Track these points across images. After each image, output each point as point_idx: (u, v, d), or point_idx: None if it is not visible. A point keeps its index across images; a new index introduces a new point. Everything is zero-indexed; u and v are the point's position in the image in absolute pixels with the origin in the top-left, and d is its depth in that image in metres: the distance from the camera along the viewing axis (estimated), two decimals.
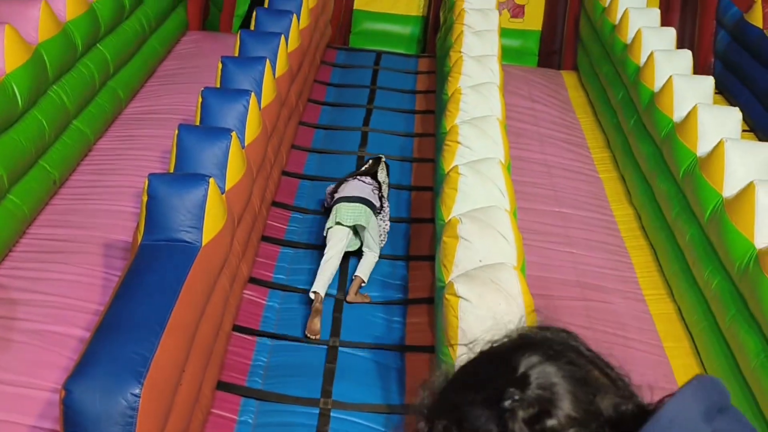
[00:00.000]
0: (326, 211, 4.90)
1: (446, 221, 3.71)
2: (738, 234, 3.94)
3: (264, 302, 4.39)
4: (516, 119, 6.67)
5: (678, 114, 5.06)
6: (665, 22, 9.11)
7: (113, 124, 5.84)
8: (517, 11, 9.34)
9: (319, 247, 4.90)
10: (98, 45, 5.66)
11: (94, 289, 4.13)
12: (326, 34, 7.70)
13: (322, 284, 4.27)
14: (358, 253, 4.67)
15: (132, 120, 5.96)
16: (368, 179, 4.84)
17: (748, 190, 3.94)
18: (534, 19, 9.30)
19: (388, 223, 4.87)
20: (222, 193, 3.70)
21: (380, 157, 5.17)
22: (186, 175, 3.48)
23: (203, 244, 3.36)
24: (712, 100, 5.21)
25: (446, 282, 3.28)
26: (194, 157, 3.71)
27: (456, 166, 3.96)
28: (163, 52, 6.88)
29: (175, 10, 7.36)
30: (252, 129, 4.28)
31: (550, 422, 0.79)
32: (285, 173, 5.60)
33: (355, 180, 4.79)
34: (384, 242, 4.81)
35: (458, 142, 4.26)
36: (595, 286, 4.80)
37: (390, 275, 4.74)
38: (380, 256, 4.79)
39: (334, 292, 4.53)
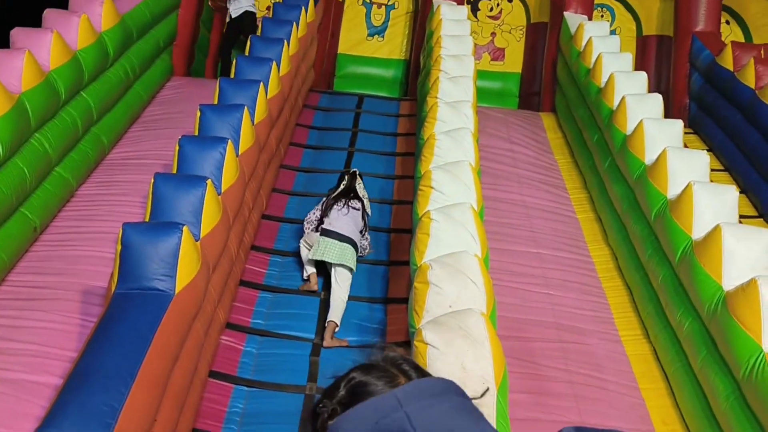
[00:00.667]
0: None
1: (418, 266, 3.77)
2: (706, 276, 4.01)
3: (241, 348, 4.41)
4: (495, 161, 6.78)
5: (649, 157, 5.18)
6: (641, 63, 9.35)
7: (96, 170, 5.90)
8: (498, 54, 9.56)
9: (297, 291, 4.94)
10: (82, 92, 5.73)
11: (71, 336, 4.14)
12: (309, 79, 7.84)
13: (312, 269, 4.84)
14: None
15: (115, 165, 6.03)
16: (357, 204, 4.94)
17: (714, 233, 4.02)
18: (514, 62, 9.51)
19: (368, 237, 5.16)
20: (197, 240, 3.75)
21: (354, 172, 5.19)
22: (159, 223, 3.53)
23: (176, 292, 3.39)
24: (682, 143, 5.33)
25: (416, 328, 3.32)
26: (170, 206, 3.77)
27: (428, 211, 4.03)
28: (147, 98, 6.98)
29: (160, 56, 7.49)
30: (229, 175, 4.35)
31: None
32: (265, 216, 5.66)
33: (347, 209, 4.88)
34: (369, 252, 5.14)
35: (431, 187, 4.34)
36: (571, 327, 4.84)
37: (368, 319, 4.77)
38: (358, 299, 4.85)
39: (311, 336, 4.56)
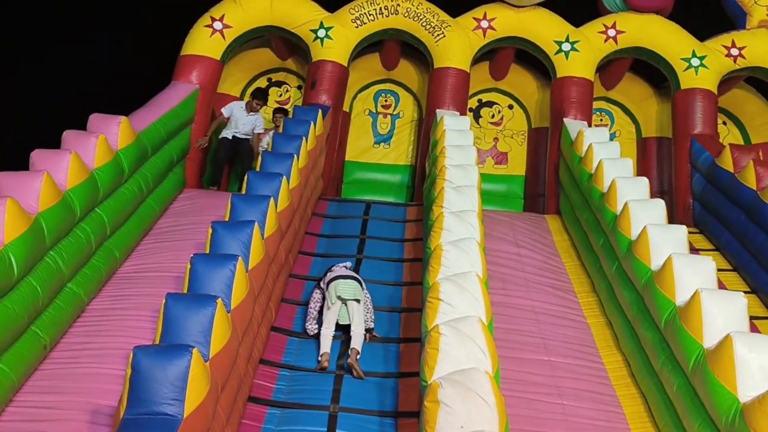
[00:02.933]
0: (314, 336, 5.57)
1: (428, 383, 3.73)
2: (721, 387, 3.95)
3: None
4: (503, 265, 6.81)
5: (655, 263, 5.21)
6: (643, 163, 9.54)
7: (108, 283, 5.94)
8: (501, 158, 9.81)
9: (306, 406, 4.87)
10: (97, 209, 5.86)
11: None
12: (317, 188, 8.02)
13: (327, 346, 5.28)
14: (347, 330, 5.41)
15: (126, 279, 6.07)
16: (347, 263, 5.87)
17: (726, 342, 3.99)
18: (517, 165, 9.76)
19: (371, 304, 5.67)
20: (206, 361, 3.75)
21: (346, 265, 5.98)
22: (169, 346, 3.55)
23: (185, 416, 3.37)
24: (687, 249, 5.37)
25: None
26: (180, 326, 3.80)
27: (437, 325, 4.03)
28: (160, 211, 7.12)
29: (173, 170, 7.71)
30: (239, 292, 4.39)
31: None
32: (274, 329, 5.65)
33: (341, 267, 5.72)
34: (373, 320, 5.59)
35: (440, 299, 4.37)
36: None
37: None
38: (368, 413, 4.80)
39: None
